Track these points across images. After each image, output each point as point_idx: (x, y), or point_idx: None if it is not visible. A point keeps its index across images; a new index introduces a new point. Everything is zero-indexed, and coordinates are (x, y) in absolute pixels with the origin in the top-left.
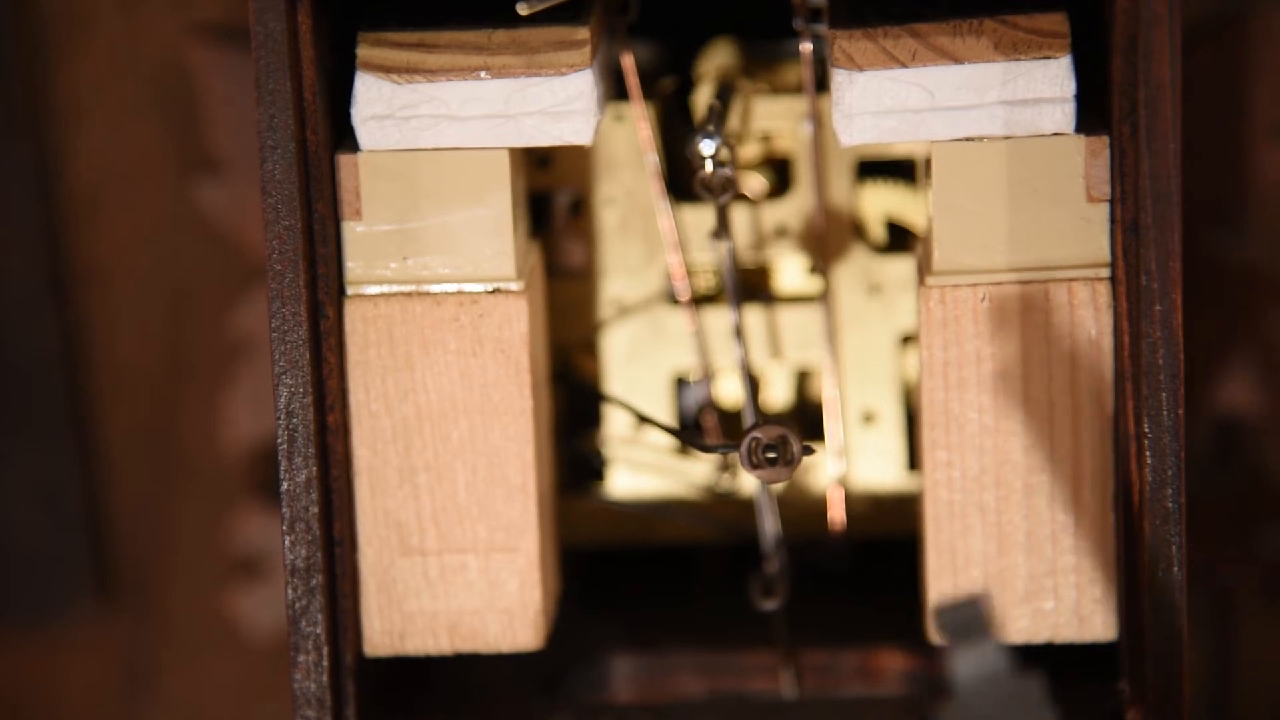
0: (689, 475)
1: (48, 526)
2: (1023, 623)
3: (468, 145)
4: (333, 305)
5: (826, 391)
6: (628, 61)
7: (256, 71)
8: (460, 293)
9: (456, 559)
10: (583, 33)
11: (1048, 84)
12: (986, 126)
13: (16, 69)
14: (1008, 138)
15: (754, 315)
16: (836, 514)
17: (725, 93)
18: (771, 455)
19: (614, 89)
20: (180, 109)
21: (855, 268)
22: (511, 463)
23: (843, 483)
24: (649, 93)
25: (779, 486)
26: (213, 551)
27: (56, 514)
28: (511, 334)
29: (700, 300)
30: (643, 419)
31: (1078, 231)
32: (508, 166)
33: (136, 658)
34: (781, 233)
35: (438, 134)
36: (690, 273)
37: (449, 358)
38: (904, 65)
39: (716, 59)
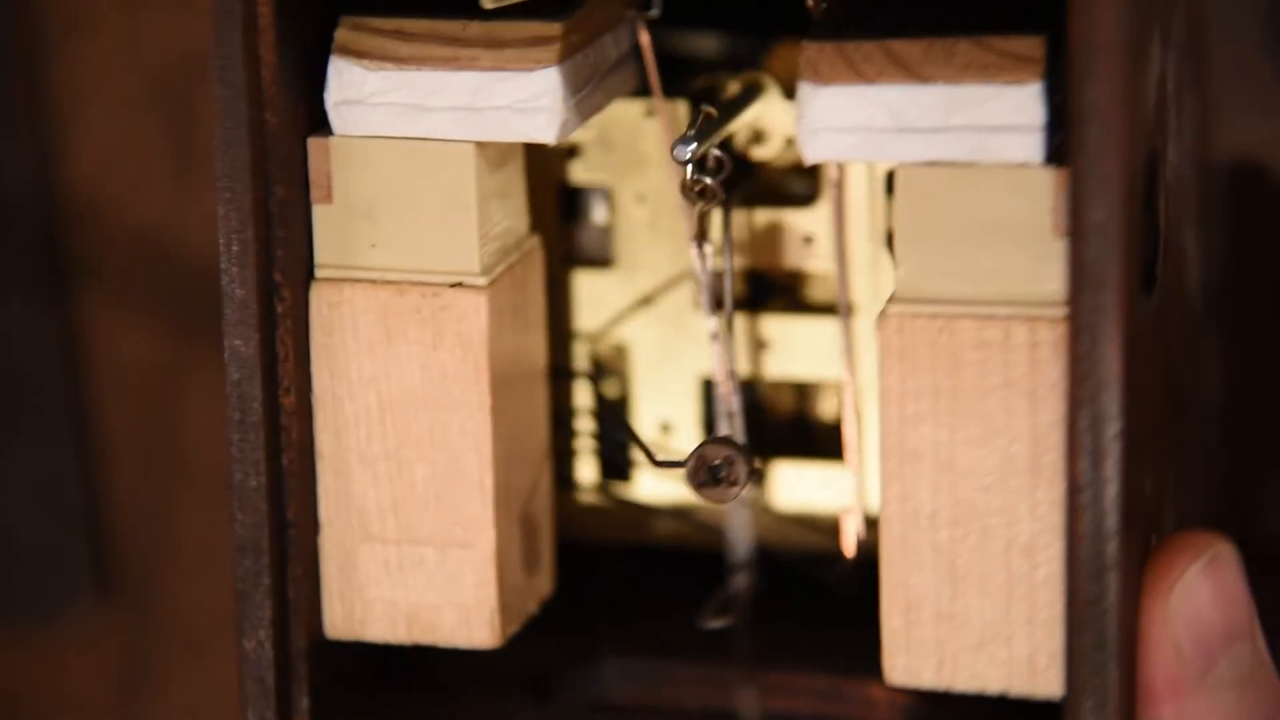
0: None
1: (48, 525)
2: (975, 670)
3: (435, 136)
4: (291, 288)
5: (845, 408)
6: (649, 57)
7: (211, 52)
8: (423, 284)
9: (415, 550)
10: (555, 29)
11: (1015, 111)
12: (952, 151)
13: (16, 68)
14: (975, 165)
15: (773, 325)
16: (848, 536)
17: (750, 94)
18: (717, 475)
19: (637, 82)
20: (180, 109)
21: (879, 281)
22: (469, 458)
23: (856, 504)
24: (684, 90)
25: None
26: (213, 550)
27: (57, 512)
28: (470, 329)
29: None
30: (620, 421)
31: (1044, 267)
32: (473, 160)
33: (137, 656)
34: (808, 240)
35: (407, 123)
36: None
37: (410, 349)
38: (869, 82)
39: (777, 57)
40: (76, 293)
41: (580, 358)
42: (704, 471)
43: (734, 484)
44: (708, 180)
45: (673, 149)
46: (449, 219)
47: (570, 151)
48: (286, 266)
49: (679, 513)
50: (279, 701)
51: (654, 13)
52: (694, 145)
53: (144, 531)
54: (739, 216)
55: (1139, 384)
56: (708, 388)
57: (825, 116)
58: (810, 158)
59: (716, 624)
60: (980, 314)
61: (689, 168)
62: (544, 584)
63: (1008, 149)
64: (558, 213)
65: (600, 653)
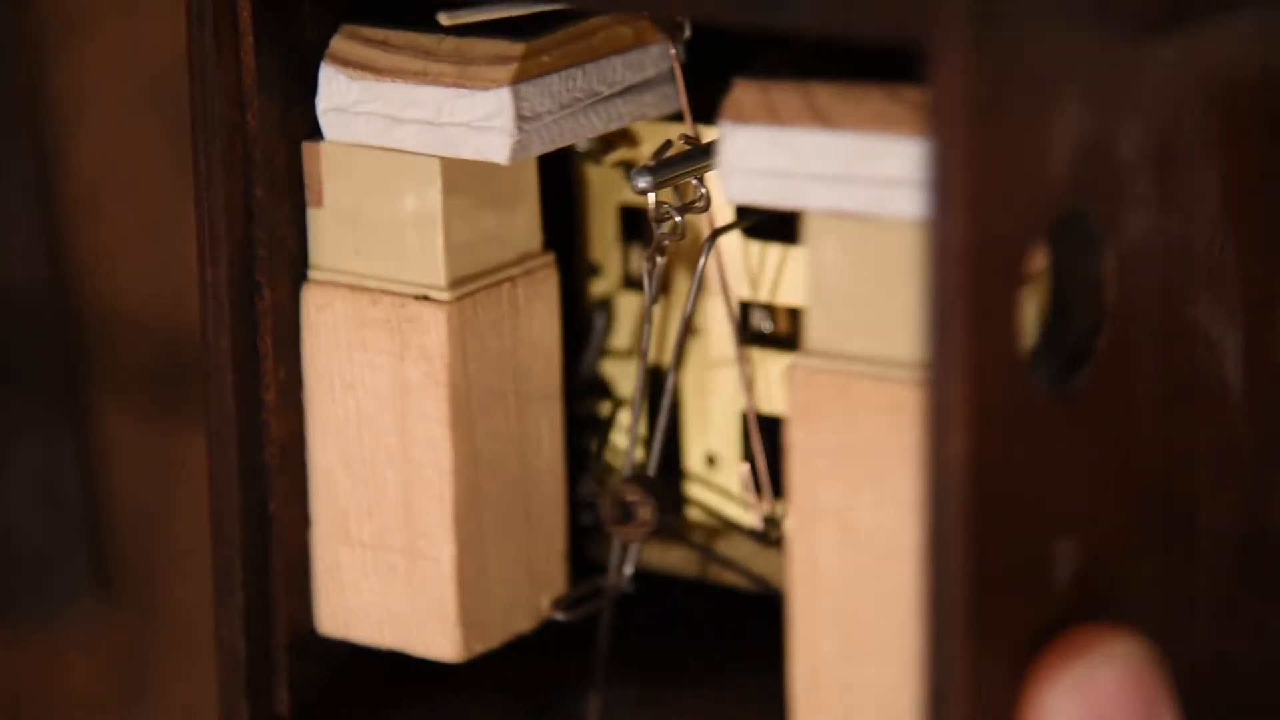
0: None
1: (48, 525)
2: None
3: (404, 148)
4: (274, 288)
5: None
6: (679, 80)
7: (188, 54)
8: (393, 294)
9: (387, 557)
10: (516, 49)
11: (910, 165)
12: (854, 203)
13: (17, 68)
14: (881, 218)
15: None
16: None
17: None
18: (628, 514)
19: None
20: (180, 109)
21: None
22: (430, 470)
23: None
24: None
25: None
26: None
27: (57, 512)
28: (431, 342)
29: (766, 340)
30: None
31: None
32: (438, 174)
33: (137, 656)
34: None
35: (382, 133)
36: (764, 309)
37: (381, 358)
38: (780, 124)
39: None
40: (76, 292)
41: (628, 383)
42: (616, 509)
43: (641, 526)
44: (677, 217)
45: (631, 176)
46: (417, 232)
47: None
48: (270, 266)
49: (702, 548)
50: (253, 692)
51: (685, 35)
52: (649, 177)
53: (144, 531)
54: (789, 254)
55: (1029, 465)
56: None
57: (740, 157)
58: (730, 198)
59: (563, 616)
60: (877, 374)
61: (651, 196)
62: (545, 604)
63: (906, 204)
64: (619, 235)
65: (592, 678)
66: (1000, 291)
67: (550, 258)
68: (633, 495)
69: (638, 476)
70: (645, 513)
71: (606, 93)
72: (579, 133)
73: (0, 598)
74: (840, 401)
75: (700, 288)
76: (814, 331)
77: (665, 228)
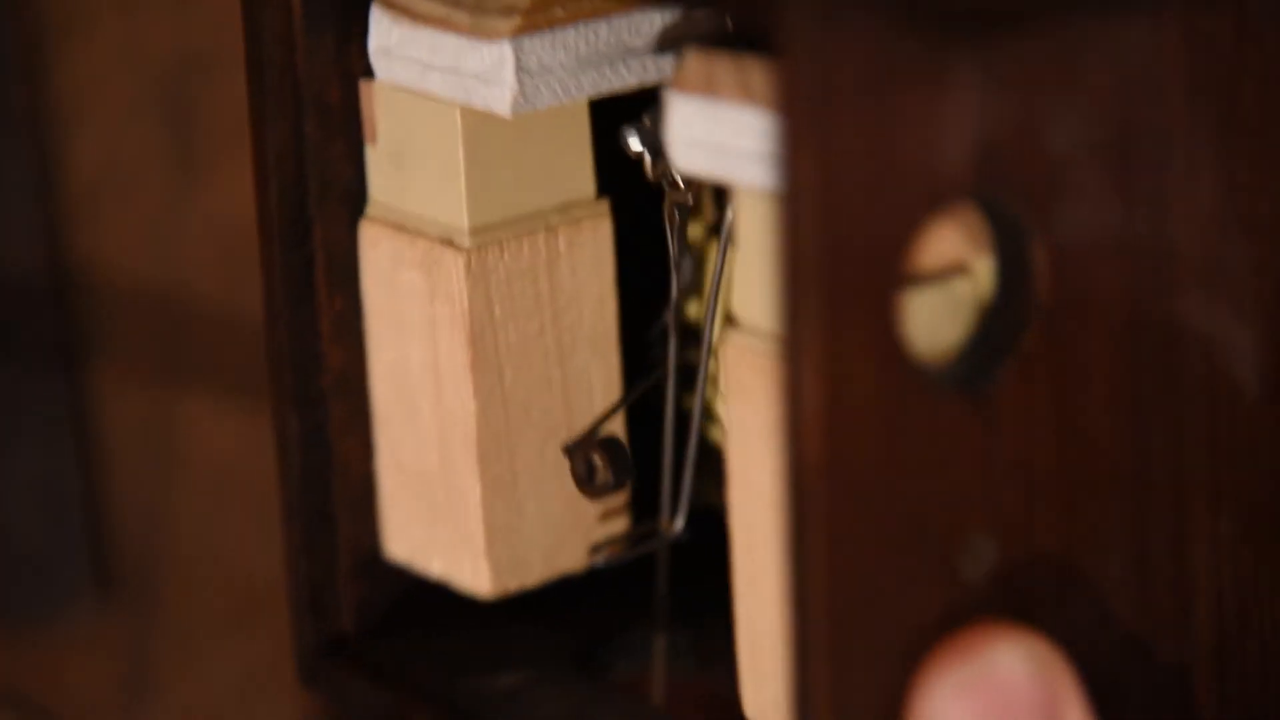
0: None
1: (48, 524)
2: None
3: (432, 93)
4: (326, 222)
5: None
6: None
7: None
8: (426, 236)
9: (430, 490)
10: (523, 2)
11: None
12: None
13: (16, 68)
14: None
15: None
16: None
17: None
18: (592, 476)
19: None
20: (180, 109)
21: None
22: (456, 410)
23: None
24: None
25: None
26: (213, 550)
27: (56, 512)
28: (453, 286)
29: None
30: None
31: None
32: (459, 121)
33: (137, 656)
34: None
35: (417, 77)
36: None
37: (416, 298)
38: (716, 97)
39: None
40: (76, 292)
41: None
42: (582, 467)
43: (604, 487)
44: (680, 178)
45: (624, 136)
46: (444, 178)
47: None
48: (321, 201)
49: None
50: (317, 611)
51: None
52: (638, 137)
53: (144, 531)
54: None
55: (917, 463)
56: None
57: (684, 127)
58: (678, 167)
59: (600, 561)
60: None
61: (647, 156)
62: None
63: None
64: (711, 189)
65: (648, 619)
66: (866, 283)
67: (604, 205)
68: (597, 457)
69: (604, 439)
70: (603, 475)
71: (626, 49)
72: (603, 85)
73: (0, 598)
74: (765, 381)
75: (728, 248)
76: (742, 310)
77: (671, 188)
